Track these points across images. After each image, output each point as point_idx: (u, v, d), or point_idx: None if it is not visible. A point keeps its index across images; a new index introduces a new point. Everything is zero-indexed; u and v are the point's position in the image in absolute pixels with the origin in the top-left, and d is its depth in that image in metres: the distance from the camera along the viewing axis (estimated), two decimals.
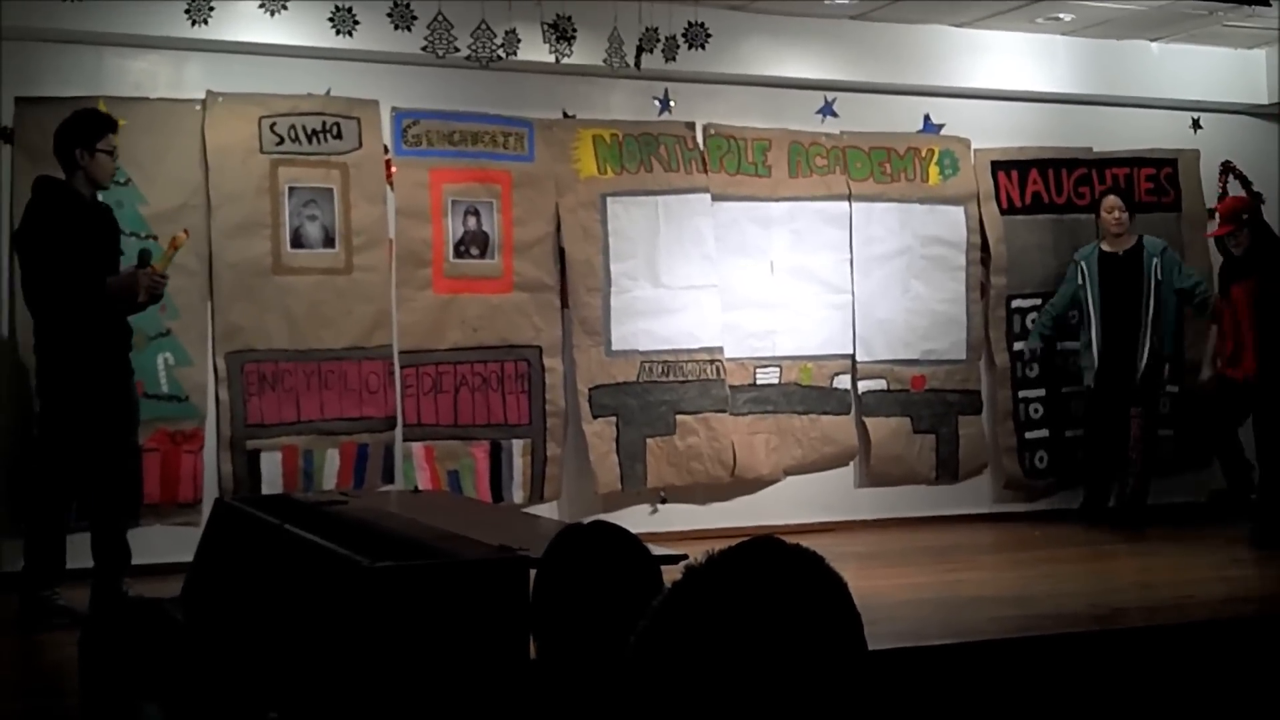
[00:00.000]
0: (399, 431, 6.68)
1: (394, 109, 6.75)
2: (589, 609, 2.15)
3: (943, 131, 7.82)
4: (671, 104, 7.28)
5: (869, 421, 7.59)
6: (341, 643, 2.90)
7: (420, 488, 6.50)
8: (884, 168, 7.69)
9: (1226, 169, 7.50)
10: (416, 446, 6.72)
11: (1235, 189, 8.05)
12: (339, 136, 6.63)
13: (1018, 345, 7.76)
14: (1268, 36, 7.98)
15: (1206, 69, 8.16)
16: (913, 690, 4.32)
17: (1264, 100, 8.26)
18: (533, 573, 2.37)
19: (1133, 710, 4.42)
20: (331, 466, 6.51)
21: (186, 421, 6.30)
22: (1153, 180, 8.14)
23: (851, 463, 7.60)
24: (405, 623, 2.85)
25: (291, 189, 6.55)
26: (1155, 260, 7.36)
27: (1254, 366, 6.80)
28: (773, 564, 1.45)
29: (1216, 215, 7.45)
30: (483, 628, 2.88)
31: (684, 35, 5.40)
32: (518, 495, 6.85)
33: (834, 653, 1.38)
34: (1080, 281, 7.47)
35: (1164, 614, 5.20)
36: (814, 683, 1.34)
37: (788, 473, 7.44)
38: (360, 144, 6.67)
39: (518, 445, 6.86)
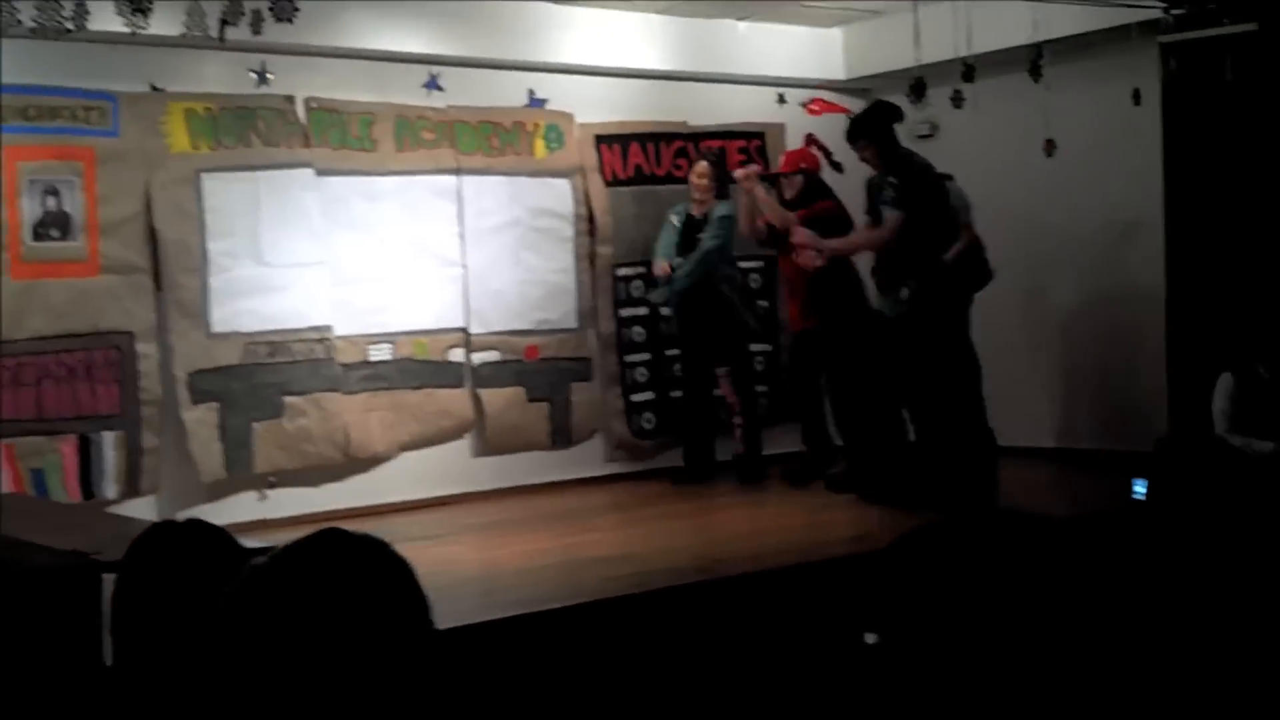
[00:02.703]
0: None
1: None
2: (174, 610, 2.06)
3: (547, 106, 7.94)
4: (269, 77, 7.04)
5: (484, 393, 7.64)
6: None
7: None
8: (491, 141, 7.73)
9: (810, 141, 7.94)
10: None
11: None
12: None
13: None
14: (842, 16, 8.53)
15: (789, 47, 8.63)
16: (535, 655, 4.42)
17: (841, 76, 8.82)
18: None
19: (738, 652, 4.67)
20: None
21: None
22: (744, 152, 8.56)
23: (468, 435, 7.63)
24: None
25: None
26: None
27: (815, 318, 7.21)
28: (336, 554, 1.48)
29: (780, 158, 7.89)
30: (48, 637, 2.71)
31: (271, 8, 5.23)
32: (112, 490, 6.48)
33: (400, 635, 1.41)
34: (670, 237, 7.75)
35: (764, 560, 5.48)
36: (380, 666, 1.37)
37: (404, 448, 7.39)
38: None
39: (109, 438, 6.48)
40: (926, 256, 6.42)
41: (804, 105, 8.36)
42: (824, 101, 8.20)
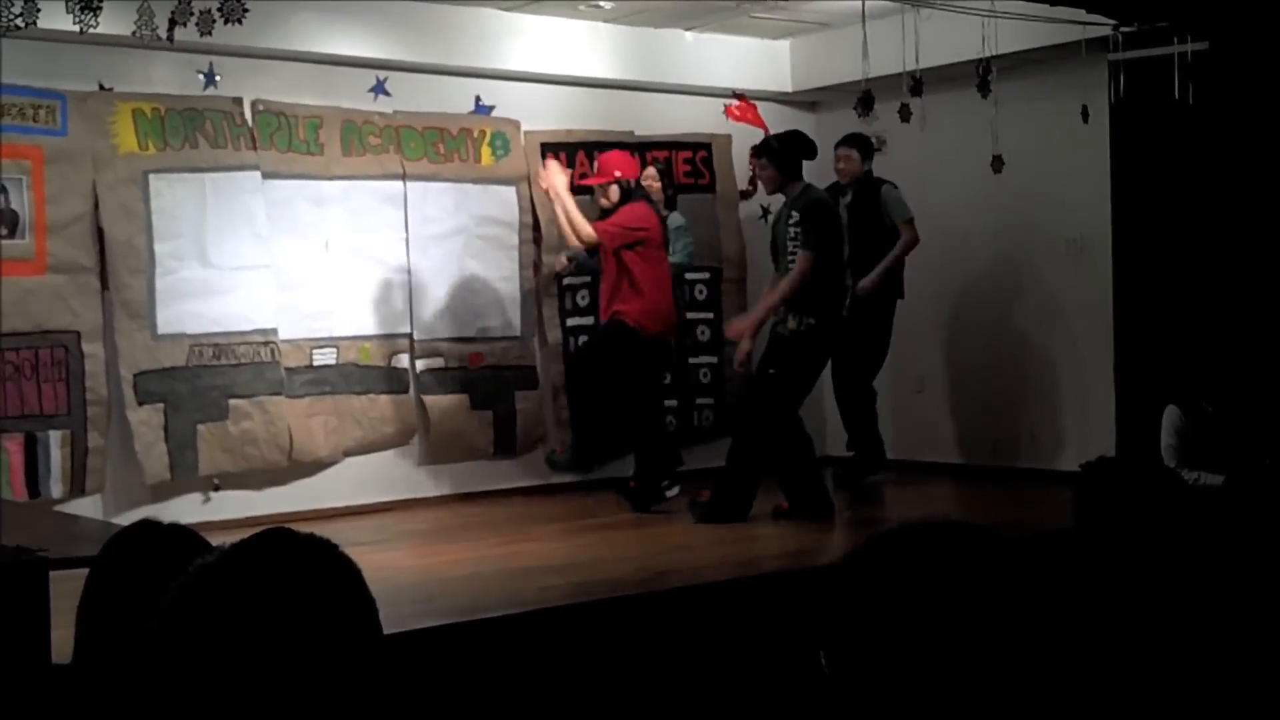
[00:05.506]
0: None
1: None
2: (142, 611, 2.08)
3: (493, 113, 7.97)
4: (217, 78, 7.04)
5: (427, 400, 7.66)
6: None
7: None
8: (438, 148, 7.76)
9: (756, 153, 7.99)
10: None
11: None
12: None
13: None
14: (791, 28, 8.59)
15: (737, 58, 8.67)
16: (472, 662, 4.44)
17: (788, 88, 8.87)
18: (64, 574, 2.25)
19: (676, 666, 4.70)
20: None
21: None
22: (690, 163, 8.62)
23: (412, 441, 7.65)
24: None
25: None
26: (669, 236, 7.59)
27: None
28: (283, 554, 1.47)
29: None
30: None
31: (219, 9, 5.24)
32: (57, 490, 6.46)
33: (346, 637, 1.41)
34: None
35: (703, 573, 5.47)
36: (326, 668, 1.37)
37: (347, 454, 7.39)
38: None
39: (55, 437, 6.46)
40: (827, 290, 6.63)
41: (726, 106, 8.38)
42: (751, 110, 8.13)
